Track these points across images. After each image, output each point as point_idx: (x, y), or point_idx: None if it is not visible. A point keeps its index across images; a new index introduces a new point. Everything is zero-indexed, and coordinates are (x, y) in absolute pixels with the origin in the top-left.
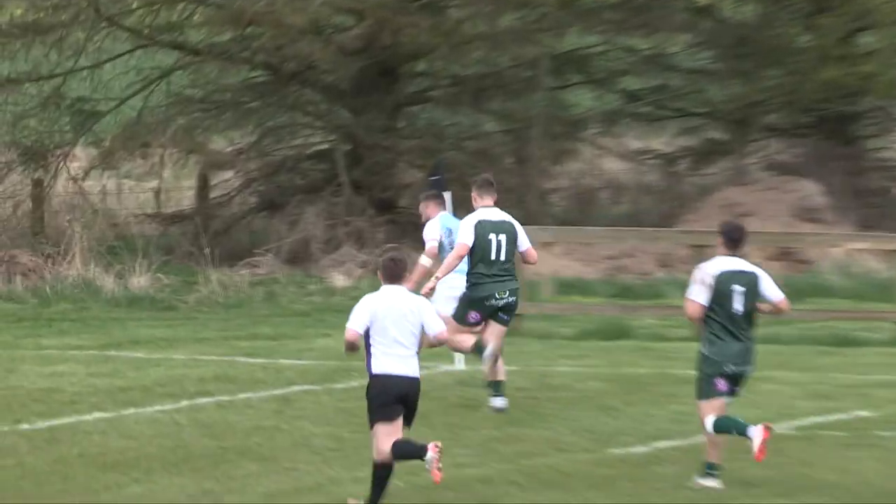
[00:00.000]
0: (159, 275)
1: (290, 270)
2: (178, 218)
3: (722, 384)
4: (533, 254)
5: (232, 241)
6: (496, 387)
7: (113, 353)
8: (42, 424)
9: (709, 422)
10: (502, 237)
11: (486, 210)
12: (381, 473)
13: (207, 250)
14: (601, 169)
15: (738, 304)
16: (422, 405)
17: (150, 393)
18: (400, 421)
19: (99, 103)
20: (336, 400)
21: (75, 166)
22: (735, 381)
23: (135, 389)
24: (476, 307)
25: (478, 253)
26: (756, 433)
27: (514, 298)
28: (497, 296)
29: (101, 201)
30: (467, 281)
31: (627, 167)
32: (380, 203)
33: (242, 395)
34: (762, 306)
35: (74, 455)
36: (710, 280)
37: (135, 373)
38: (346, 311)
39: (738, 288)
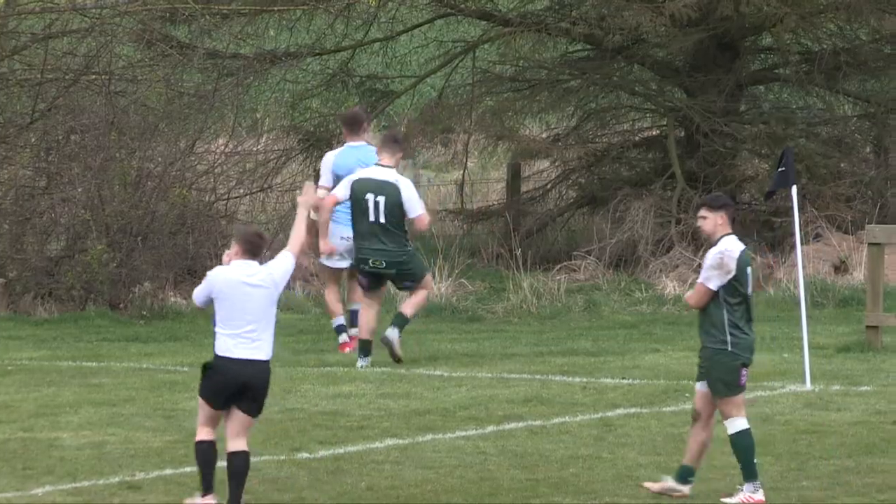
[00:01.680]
0: (463, 280)
1: (613, 276)
2: (484, 215)
3: (744, 376)
4: (423, 221)
5: (547, 242)
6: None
7: (407, 370)
8: (325, 453)
9: (739, 424)
10: (381, 199)
11: (375, 169)
12: (200, 448)
13: (518, 252)
14: None
15: (750, 289)
16: (764, 431)
17: (451, 417)
18: (221, 413)
19: (393, 81)
20: (665, 425)
21: None
22: None
23: (433, 413)
24: (360, 271)
25: (356, 213)
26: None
27: (392, 271)
28: (371, 263)
29: None
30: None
31: None
32: None
33: (557, 420)
34: None
35: (362, 489)
36: (732, 265)
37: (433, 394)
38: (677, 323)
39: (749, 270)
